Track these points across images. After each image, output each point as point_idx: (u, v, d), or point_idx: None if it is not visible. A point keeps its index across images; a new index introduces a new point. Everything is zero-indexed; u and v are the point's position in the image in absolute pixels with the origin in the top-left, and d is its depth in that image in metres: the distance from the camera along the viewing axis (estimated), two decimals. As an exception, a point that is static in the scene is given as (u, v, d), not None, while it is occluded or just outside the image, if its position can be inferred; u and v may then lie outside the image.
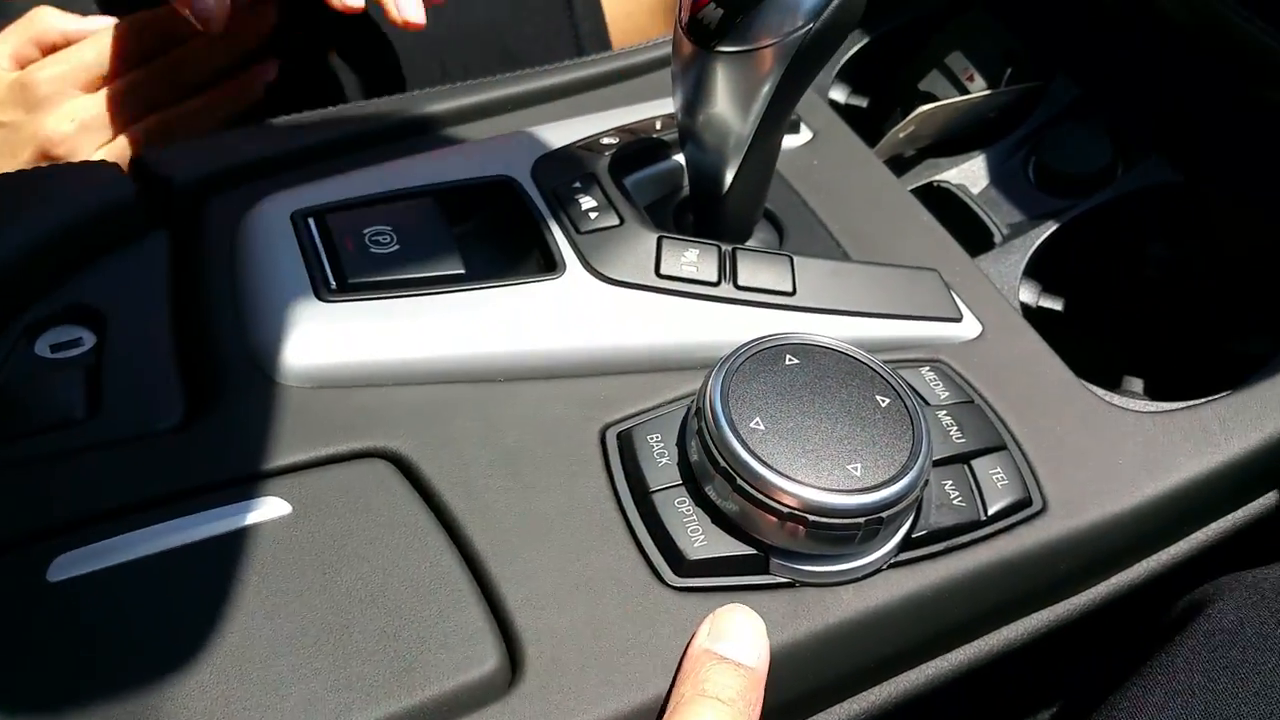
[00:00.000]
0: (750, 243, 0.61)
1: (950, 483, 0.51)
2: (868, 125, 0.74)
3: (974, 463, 0.52)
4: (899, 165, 0.73)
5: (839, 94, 0.78)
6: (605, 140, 0.61)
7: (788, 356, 0.50)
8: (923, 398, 0.54)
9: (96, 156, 0.73)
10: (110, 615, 0.42)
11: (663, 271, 0.55)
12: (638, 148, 0.62)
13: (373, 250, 0.54)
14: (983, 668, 0.52)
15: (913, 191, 0.72)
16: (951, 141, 0.74)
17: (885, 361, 0.56)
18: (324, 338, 0.50)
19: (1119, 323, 0.69)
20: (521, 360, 0.52)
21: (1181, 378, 0.62)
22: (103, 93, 0.72)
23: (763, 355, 0.50)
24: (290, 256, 0.53)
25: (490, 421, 0.51)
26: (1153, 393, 0.64)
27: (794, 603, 0.46)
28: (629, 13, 0.82)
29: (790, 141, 0.67)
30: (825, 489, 0.45)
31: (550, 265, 0.55)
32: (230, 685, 0.41)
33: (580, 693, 0.43)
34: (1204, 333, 0.66)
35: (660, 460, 0.49)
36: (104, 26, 0.74)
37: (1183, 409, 0.55)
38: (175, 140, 0.75)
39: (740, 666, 0.43)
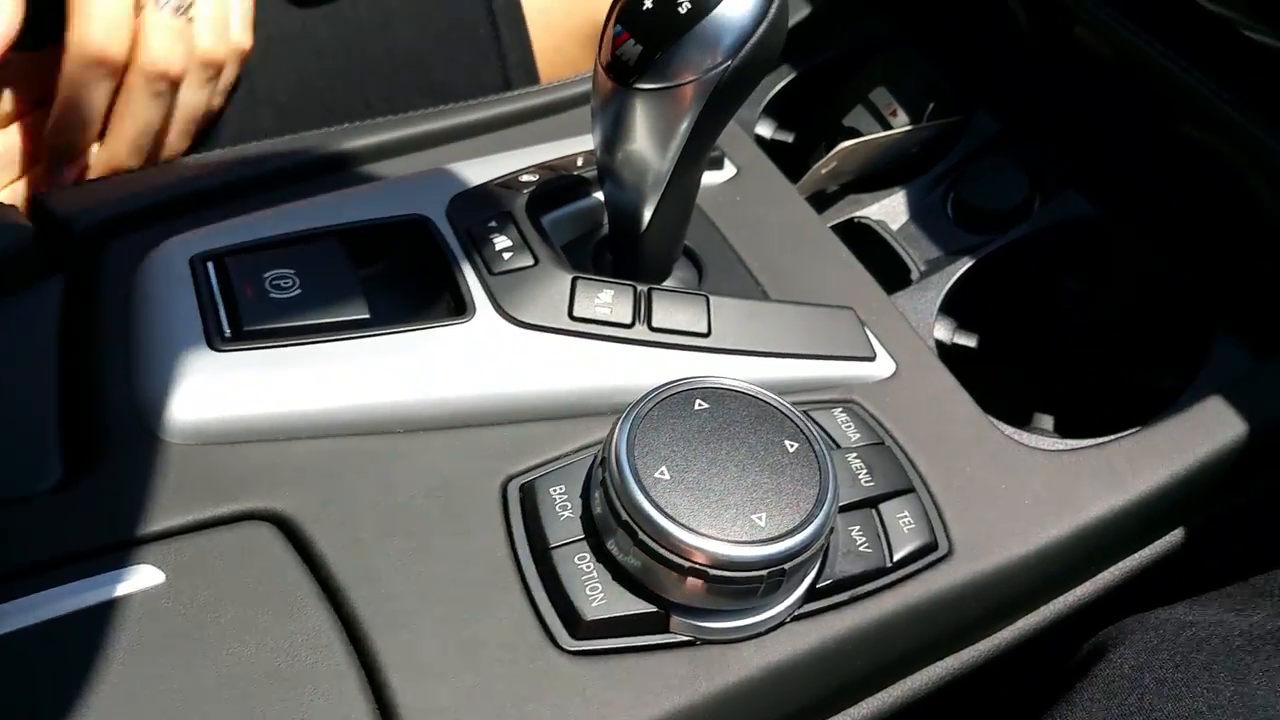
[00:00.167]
0: (669, 282, 0.61)
1: (857, 528, 0.51)
2: (794, 160, 0.75)
3: (882, 507, 0.52)
4: (822, 201, 0.74)
5: (765, 129, 0.78)
6: (524, 177, 0.61)
7: (697, 401, 0.49)
8: (834, 440, 0.54)
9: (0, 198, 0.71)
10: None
11: (576, 313, 0.54)
12: (558, 185, 0.61)
13: (273, 295, 0.52)
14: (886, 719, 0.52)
15: (834, 227, 0.72)
16: (875, 176, 0.75)
17: (800, 402, 0.57)
18: (212, 390, 0.49)
19: (1032, 358, 0.70)
20: (424, 409, 0.52)
21: (1094, 413, 0.63)
22: (4, 132, 0.71)
23: (671, 401, 0.49)
24: (186, 303, 0.52)
25: (386, 477, 0.50)
26: (1064, 429, 0.65)
27: (693, 662, 0.46)
28: (558, 46, 0.81)
29: (713, 178, 0.67)
30: (727, 541, 0.45)
31: (460, 308, 0.54)
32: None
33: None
34: (1116, 367, 0.67)
35: (562, 514, 0.48)
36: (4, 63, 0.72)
37: (1091, 447, 0.56)
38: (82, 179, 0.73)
39: None
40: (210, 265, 0.54)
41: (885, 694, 0.52)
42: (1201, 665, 0.46)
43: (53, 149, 0.69)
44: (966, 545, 0.51)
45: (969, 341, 0.67)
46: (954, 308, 0.67)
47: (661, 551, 0.45)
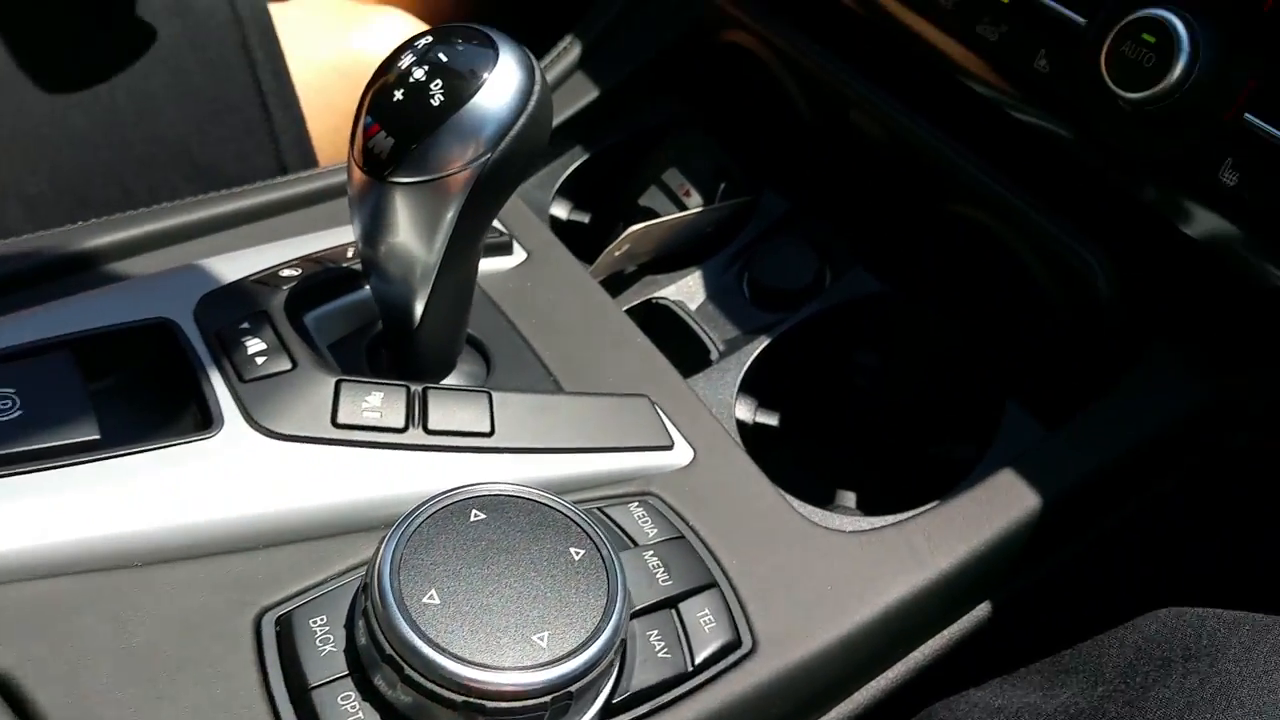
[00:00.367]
0: (452, 378, 0.57)
1: (655, 632, 0.48)
2: (591, 241, 0.73)
3: (682, 606, 0.49)
4: (619, 282, 0.72)
5: (560, 210, 0.76)
6: (285, 272, 0.56)
7: (473, 512, 0.46)
8: (630, 538, 0.51)
9: None
10: None
11: (340, 420, 0.50)
12: (324, 278, 0.57)
13: (-12, 420, 0.46)
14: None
15: (632, 309, 0.71)
16: (672, 256, 0.73)
17: (594, 499, 0.54)
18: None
19: (832, 434, 0.69)
20: (164, 539, 0.46)
21: (895, 487, 0.62)
22: None
23: (444, 514, 0.45)
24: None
25: (119, 619, 0.44)
26: (867, 505, 0.64)
27: (476, 806, 0.41)
28: (336, 126, 0.77)
29: (500, 264, 0.64)
30: (503, 668, 0.41)
31: (207, 421, 0.49)
32: None
33: None
34: (912, 440, 0.67)
35: (324, 648, 0.43)
36: None
37: (890, 525, 0.55)
38: None
39: None
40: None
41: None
42: None
43: None
44: (770, 639, 0.49)
45: (770, 420, 0.66)
46: (754, 387, 0.66)
47: (431, 687, 0.41)
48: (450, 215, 0.47)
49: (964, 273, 0.67)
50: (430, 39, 0.46)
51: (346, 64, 0.79)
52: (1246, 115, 0.52)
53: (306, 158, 0.76)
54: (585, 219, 0.77)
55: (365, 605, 0.43)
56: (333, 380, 0.51)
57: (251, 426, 0.49)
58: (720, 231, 0.74)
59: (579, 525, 0.46)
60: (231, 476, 0.47)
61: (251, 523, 0.47)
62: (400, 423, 0.50)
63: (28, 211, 0.71)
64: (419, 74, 0.45)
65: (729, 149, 0.76)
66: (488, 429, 0.52)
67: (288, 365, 0.51)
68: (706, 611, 0.49)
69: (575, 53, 0.76)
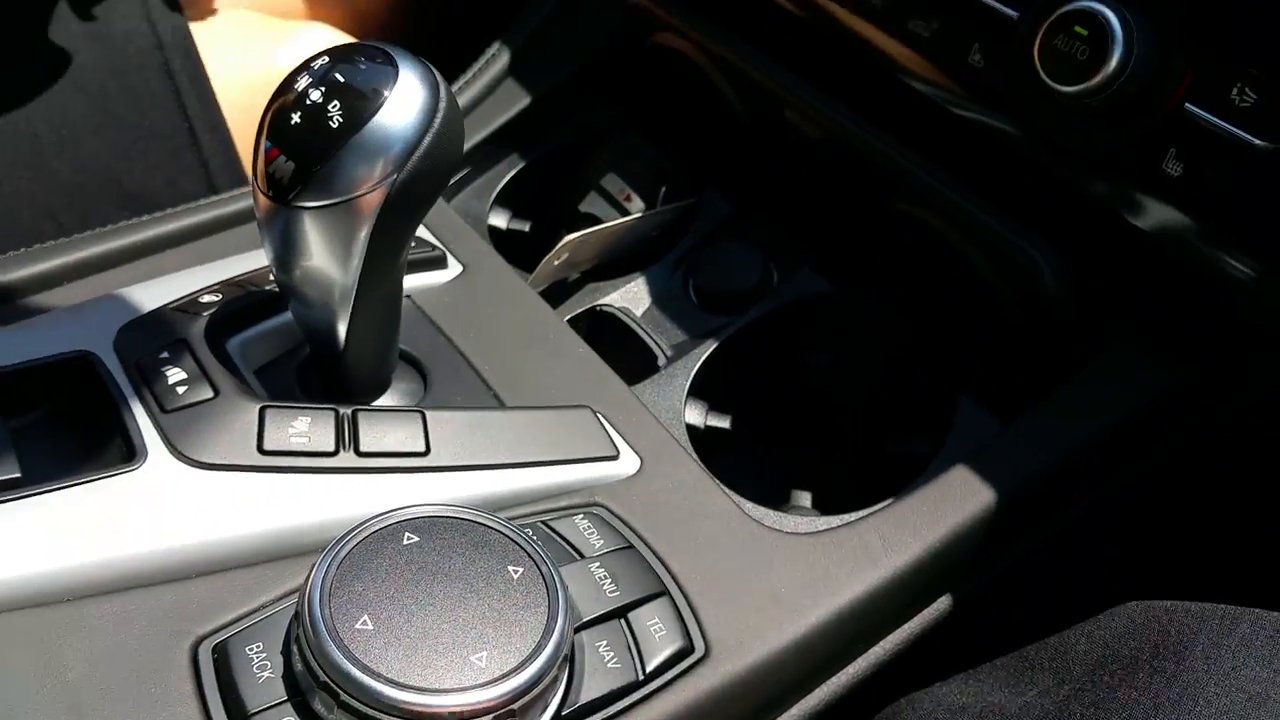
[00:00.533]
0: (386, 397, 0.55)
1: (605, 643, 0.46)
2: (532, 250, 0.71)
3: (631, 615, 0.48)
4: (562, 291, 0.71)
5: (499, 219, 0.75)
6: (206, 298, 0.55)
7: (405, 535, 0.44)
8: (577, 550, 0.50)
9: None
10: None
11: (266, 447, 0.48)
12: (247, 302, 0.56)
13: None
14: None
15: (576, 318, 0.69)
16: (617, 262, 0.72)
17: (538, 512, 0.52)
18: None
19: (786, 435, 0.68)
20: (92, 573, 0.44)
21: (851, 485, 0.61)
22: None
23: (375, 538, 0.44)
24: None
25: (51, 656, 0.42)
26: (824, 505, 0.63)
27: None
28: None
29: (435, 278, 0.63)
30: (441, 690, 0.40)
31: (130, 454, 0.47)
32: None
33: None
34: (868, 437, 0.66)
35: (261, 675, 0.42)
36: None
37: (843, 526, 0.54)
38: None
39: None
40: None
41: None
42: None
43: None
44: (723, 644, 0.48)
45: (722, 423, 0.65)
46: (704, 391, 0.65)
47: (368, 712, 0.40)
48: (363, 236, 0.46)
49: (912, 270, 0.66)
50: (327, 59, 0.45)
51: (273, 81, 0.77)
52: (1187, 105, 0.51)
53: (237, 180, 0.74)
54: (526, 228, 0.76)
55: (298, 633, 0.41)
56: (256, 406, 0.49)
57: (175, 457, 0.47)
58: (664, 235, 0.73)
59: (516, 542, 0.45)
60: (157, 508, 0.46)
61: (181, 553, 0.46)
62: (330, 446, 0.49)
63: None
64: (316, 95, 0.44)
65: (669, 151, 0.75)
66: (423, 448, 0.50)
67: (209, 394, 0.49)
68: (657, 620, 0.48)
69: (504, 59, 0.75)
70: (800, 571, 0.51)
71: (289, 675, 0.42)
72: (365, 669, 0.40)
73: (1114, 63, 0.51)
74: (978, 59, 0.58)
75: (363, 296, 0.49)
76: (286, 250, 0.47)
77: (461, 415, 0.53)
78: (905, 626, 0.56)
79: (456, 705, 0.39)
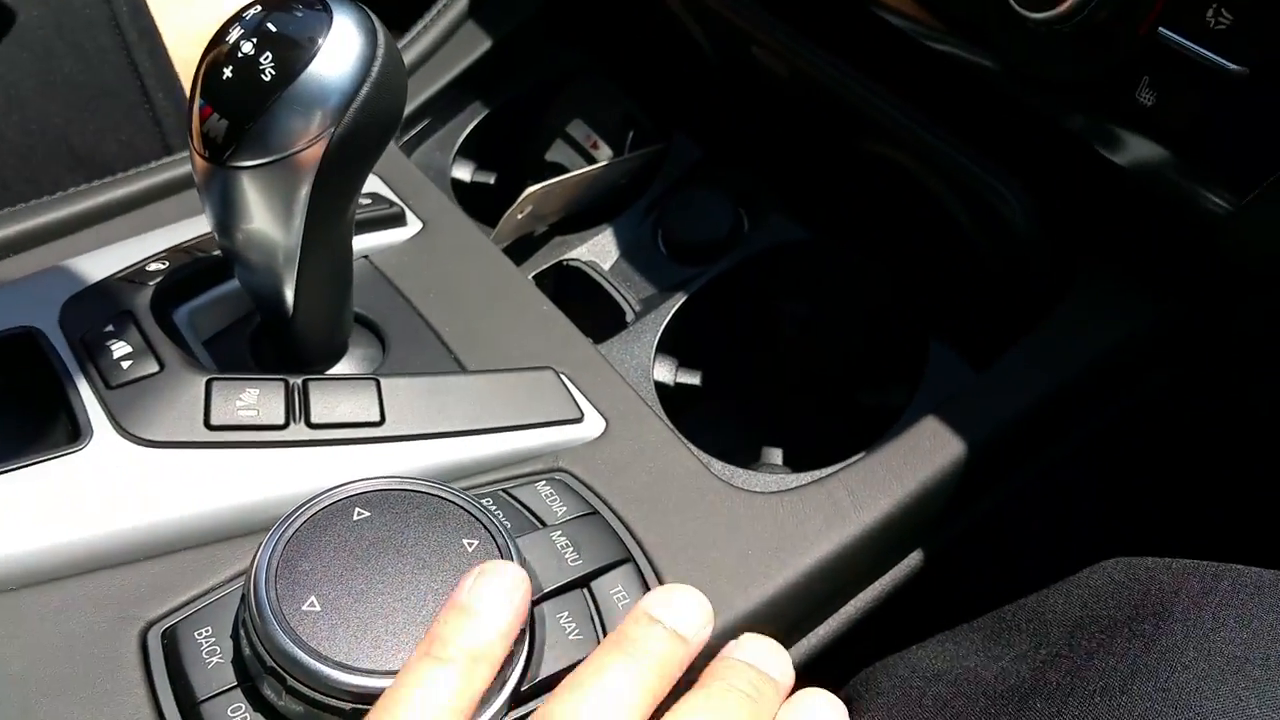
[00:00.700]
0: (343, 364, 0.54)
1: (566, 614, 0.46)
2: (498, 203, 0.69)
3: (594, 584, 0.47)
4: (527, 246, 0.69)
5: (463, 172, 0.73)
6: (152, 266, 0.53)
7: (356, 510, 0.43)
8: (539, 519, 0.49)
9: None
10: None
11: (214, 421, 0.47)
12: (194, 269, 0.54)
13: None
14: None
15: (542, 273, 0.68)
16: (585, 214, 0.70)
17: (499, 480, 0.51)
18: None
19: (759, 389, 0.67)
20: (36, 561, 0.43)
21: (827, 439, 0.60)
22: None
23: (324, 515, 0.43)
24: None
25: None
26: (795, 461, 0.62)
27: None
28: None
29: (393, 236, 0.61)
30: (390, 672, 0.39)
31: (76, 434, 0.46)
32: None
33: None
34: (842, 388, 0.65)
35: (211, 660, 0.41)
36: None
37: (813, 483, 0.53)
38: None
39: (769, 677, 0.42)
40: None
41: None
42: None
43: None
44: (690, 611, 0.47)
45: (692, 379, 0.63)
46: (673, 346, 0.63)
47: (317, 696, 0.39)
48: (303, 195, 0.44)
49: (884, 213, 0.64)
50: (260, 7, 0.43)
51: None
52: (1160, 30, 0.49)
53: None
54: (491, 180, 0.73)
55: (244, 617, 0.40)
56: (203, 380, 0.48)
57: (121, 435, 0.46)
58: (634, 183, 0.71)
59: (472, 514, 0.44)
60: (103, 489, 0.45)
61: (128, 536, 0.45)
62: (280, 419, 0.47)
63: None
64: (247, 47, 0.41)
65: (637, 96, 0.73)
66: (377, 418, 0.49)
67: (155, 368, 0.48)
68: (620, 588, 0.47)
69: (462, 3, 0.72)
70: (768, 531, 0.50)
71: (239, 660, 0.41)
72: (312, 652, 0.39)
73: (1084, -16, 0.49)
74: (947, -13, 0.56)
75: (308, 259, 0.47)
76: (226, 213, 0.45)
77: (418, 381, 0.51)
78: (877, 583, 0.55)
79: (407, 686, 0.39)
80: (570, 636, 0.45)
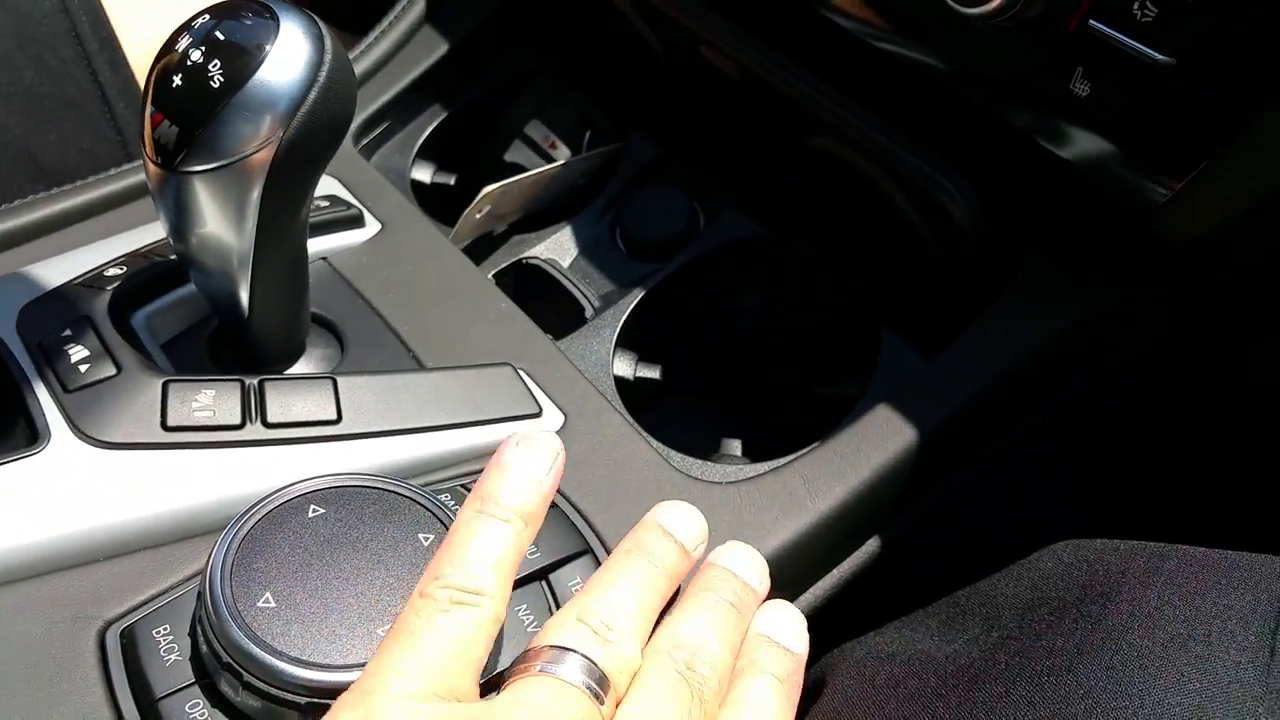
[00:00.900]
0: (300, 365, 0.55)
1: (525, 607, 0.46)
2: (458, 203, 0.70)
3: (552, 576, 0.48)
4: (487, 245, 0.69)
5: (423, 174, 0.73)
6: (111, 271, 0.54)
7: (311, 507, 0.44)
8: (495, 514, 0.50)
9: None
10: None
11: (170, 423, 0.47)
12: (153, 273, 0.54)
13: None
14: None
15: (502, 272, 0.68)
16: (545, 213, 0.71)
17: (457, 475, 0.52)
18: None
19: (718, 382, 0.68)
20: (-6, 563, 0.44)
21: (782, 431, 0.61)
22: None
23: (279, 512, 0.43)
24: None
25: None
26: (753, 452, 0.62)
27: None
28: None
29: (353, 237, 0.61)
30: (345, 666, 0.39)
31: (34, 437, 0.47)
32: None
33: None
34: (799, 380, 0.66)
35: (169, 658, 0.42)
36: None
37: (769, 472, 0.54)
38: None
39: (791, 652, 0.45)
40: None
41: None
42: (893, 716, 0.44)
43: None
44: (648, 601, 0.48)
45: (652, 374, 0.64)
46: (633, 341, 0.64)
47: (273, 691, 0.39)
48: (254, 198, 0.44)
49: (835, 208, 0.65)
50: (208, 16, 0.43)
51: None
52: (1091, 21, 0.50)
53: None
54: (451, 181, 0.74)
55: (200, 614, 0.41)
56: (160, 381, 0.48)
57: (79, 438, 0.47)
58: (593, 182, 0.71)
59: (427, 509, 0.45)
60: (61, 492, 0.45)
61: (87, 537, 0.45)
62: (236, 419, 0.48)
63: None
64: (196, 55, 0.42)
65: (593, 95, 0.74)
66: (334, 416, 0.50)
67: (112, 370, 0.48)
68: (579, 579, 0.48)
69: (419, 7, 0.73)
70: (725, 521, 0.51)
71: (196, 657, 0.42)
72: (267, 648, 0.39)
73: (1014, -21, 0.50)
74: (885, -17, 0.57)
75: (262, 261, 0.48)
76: (179, 218, 0.46)
77: (375, 379, 0.52)
78: (835, 571, 0.56)
79: (363, 679, 0.39)
80: (529, 629, 0.46)
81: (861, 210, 0.63)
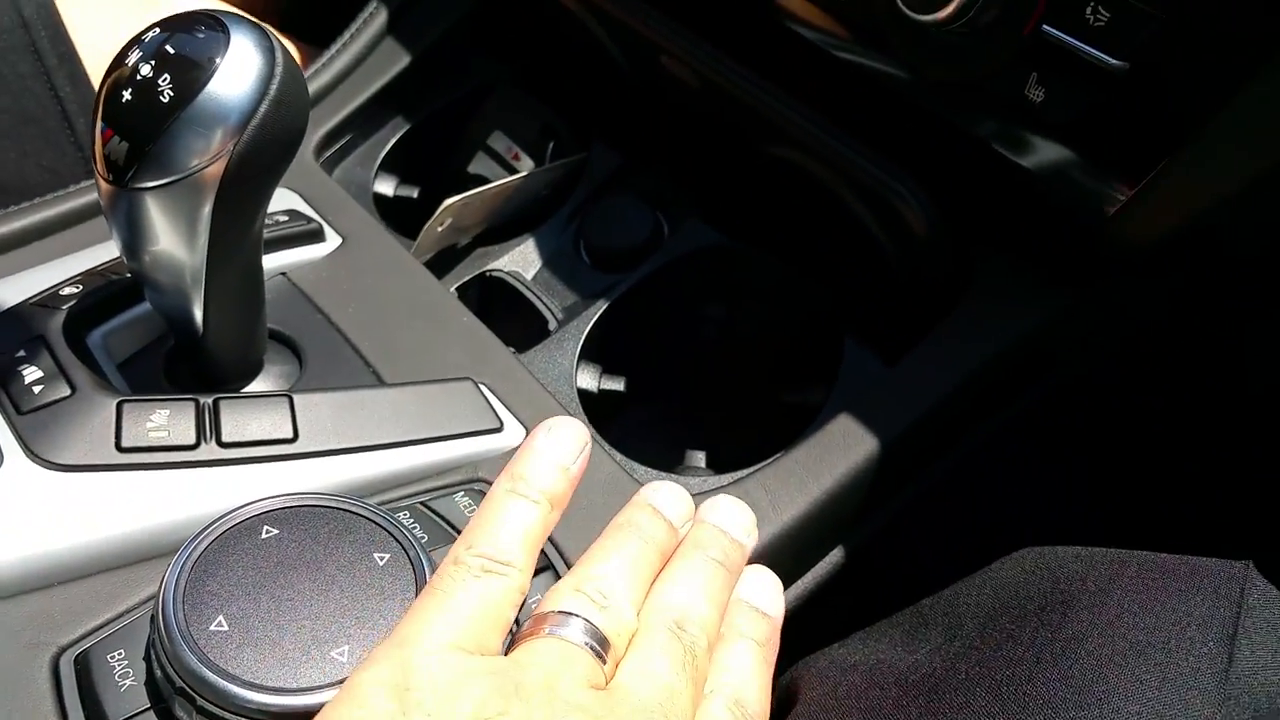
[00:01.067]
0: (258, 382, 0.54)
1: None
2: (422, 215, 0.70)
3: (514, 594, 0.47)
4: (450, 258, 0.69)
5: (385, 187, 0.73)
6: (66, 290, 0.53)
7: (264, 528, 0.43)
8: (455, 529, 0.49)
9: None
10: None
11: (125, 444, 0.47)
12: (109, 291, 0.54)
13: None
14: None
15: (465, 284, 0.68)
16: (509, 224, 0.71)
17: (416, 492, 0.51)
18: None
19: (683, 393, 0.68)
20: (-56, 590, 0.43)
21: (747, 441, 0.61)
22: None
23: (232, 534, 0.43)
24: None
25: None
26: (718, 464, 0.62)
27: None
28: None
29: (313, 252, 0.61)
30: (299, 690, 0.39)
31: (-14, 460, 0.46)
32: None
33: None
34: (764, 389, 0.66)
35: (124, 683, 0.41)
36: None
37: (732, 484, 0.54)
38: None
39: (768, 616, 0.46)
40: None
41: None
42: None
43: None
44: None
45: (616, 385, 0.64)
46: (597, 353, 0.64)
47: (227, 716, 0.39)
48: (205, 214, 0.44)
49: (796, 216, 0.65)
50: (158, 30, 0.43)
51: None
52: (1045, 27, 0.50)
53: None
54: (414, 194, 0.74)
55: (153, 638, 0.41)
56: (114, 402, 0.48)
57: (32, 460, 0.46)
58: (557, 193, 0.71)
59: (383, 527, 0.44)
60: (14, 515, 0.45)
61: (41, 561, 0.45)
62: (191, 439, 0.48)
63: None
64: (146, 70, 0.42)
65: (556, 106, 0.73)
66: (289, 434, 0.49)
67: (66, 391, 0.48)
68: (539, 596, 0.47)
69: (381, 19, 0.72)
70: None
71: (151, 682, 0.41)
72: (220, 672, 0.39)
73: (967, -15, 0.50)
74: (840, -9, 0.57)
75: (215, 277, 0.47)
76: (132, 235, 0.45)
77: (332, 396, 0.52)
78: (800, 581, 0.56)
79: (317, 704, 0.38)
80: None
81: (822, 218, 0.63)
